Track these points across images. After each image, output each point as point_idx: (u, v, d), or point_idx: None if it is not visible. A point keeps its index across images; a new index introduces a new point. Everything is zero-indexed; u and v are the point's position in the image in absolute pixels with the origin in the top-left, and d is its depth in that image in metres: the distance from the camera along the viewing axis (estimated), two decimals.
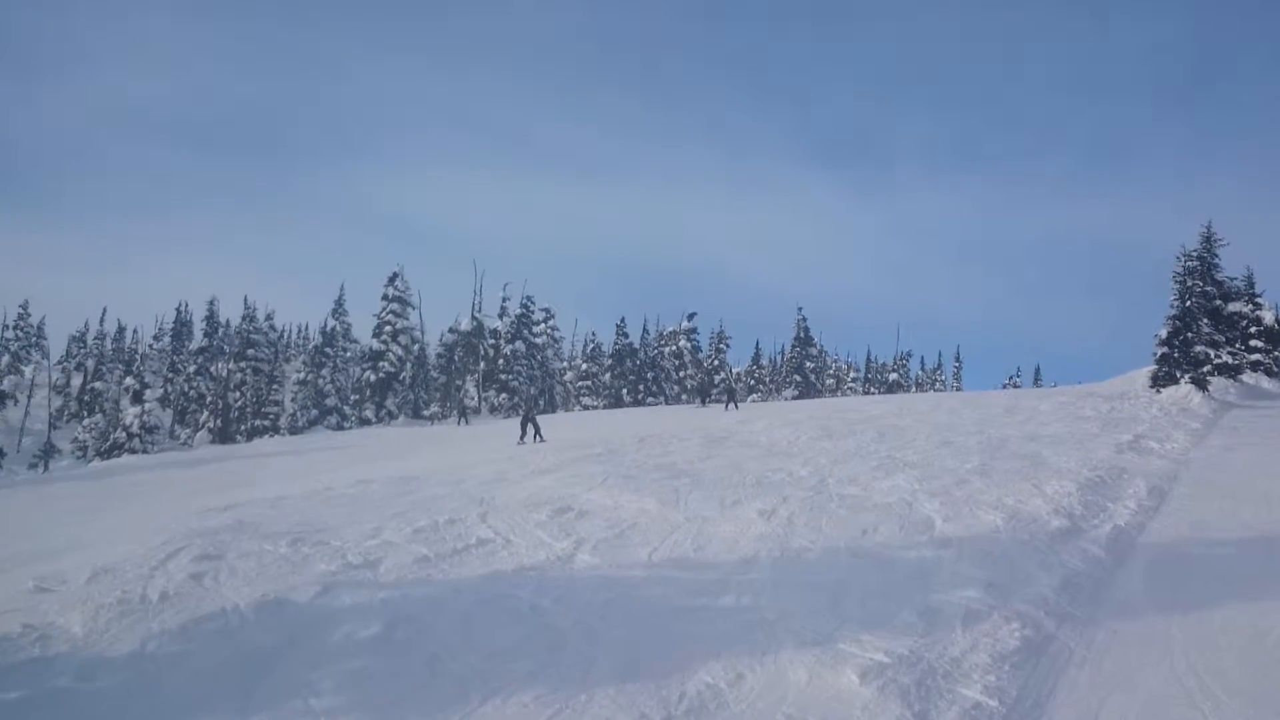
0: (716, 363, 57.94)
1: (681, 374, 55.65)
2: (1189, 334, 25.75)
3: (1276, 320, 30.33)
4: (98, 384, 59.00)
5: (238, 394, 49.19)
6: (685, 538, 8.31)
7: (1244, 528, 8.74)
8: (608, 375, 55.29)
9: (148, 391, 44.00)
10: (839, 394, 62.99)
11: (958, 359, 76.43)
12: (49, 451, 45.78)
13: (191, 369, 58.36)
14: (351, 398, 50.06)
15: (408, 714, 4.86)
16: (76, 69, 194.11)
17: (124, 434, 41.28)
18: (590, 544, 8.13)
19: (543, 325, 54.39)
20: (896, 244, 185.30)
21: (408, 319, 49.53)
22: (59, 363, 70.28)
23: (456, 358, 50.02)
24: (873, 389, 67.70)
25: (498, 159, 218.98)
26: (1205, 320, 26.66)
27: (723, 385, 43.93)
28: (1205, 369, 25.25)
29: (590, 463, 13.27)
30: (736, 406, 31.72)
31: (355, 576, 7.12)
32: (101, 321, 73.99)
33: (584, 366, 58.60)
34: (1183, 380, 24.81)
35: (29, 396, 54.97)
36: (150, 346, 74.83)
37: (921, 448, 13.94)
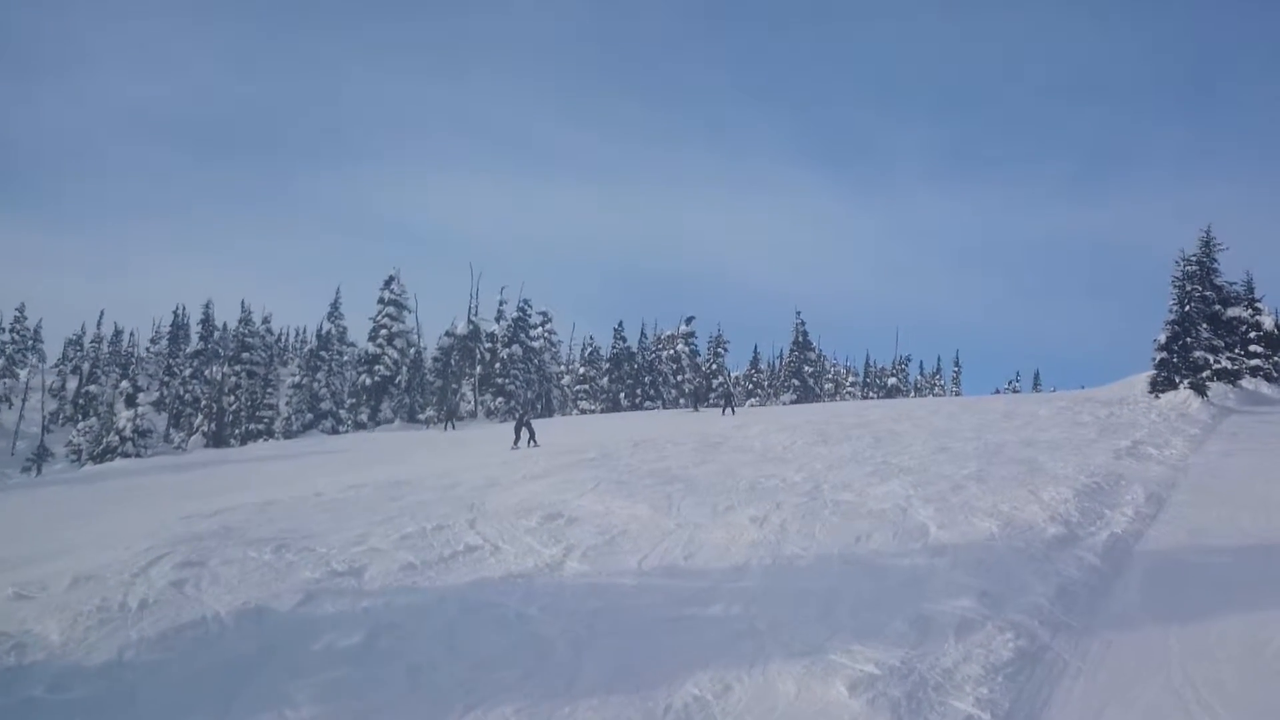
0: (714, 367, 57.88)
1: (679, 378, 55.57)
2: (1188, 339, 25.67)
3: (1276, 325, 30.26)
4: (92, 387, 58.82)
5: (232, 398, 49.06)
6: (676, 545, 8.20)
7: (1243, 535, 8.63)
8: (605, 379, 55.20)
9: (141, 395, 43.88)
10: (837, 398, 62.95)
11: (957, 363, 76.67)
12: (42, 455, 45.66)
13: (187, 372, 58.24)
14: (348, 401, 49.93)
15: None
16: (76, 70, 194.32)
17: (117, 438, 41.14)
18: (580, 551, 8.02)
19: (540, 329, 54.33)
20: (896, 247, 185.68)
21: (404, 322, 49.46)
22: (55, 366, 70.26)
23: (453, 361, 49.93)
24: (871, 393, 67.68)
25: (497, 161, 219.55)
26: (1204, 325, 26.56)
27: (720, 390, 43.79)
28: (1204, 374, 25.17)
29: (583, 468, 13.16)
30: (733, 411, 31.61)
31: (339, 584, 7.01)
32: (99, 324, 73.93)
33: (581, 370, 58.50)
34: (1182, 385, 24.73)
35: (24, 400, 54.90)
36: (147, 350, 74.72)
37: (918, 453, 13.84)
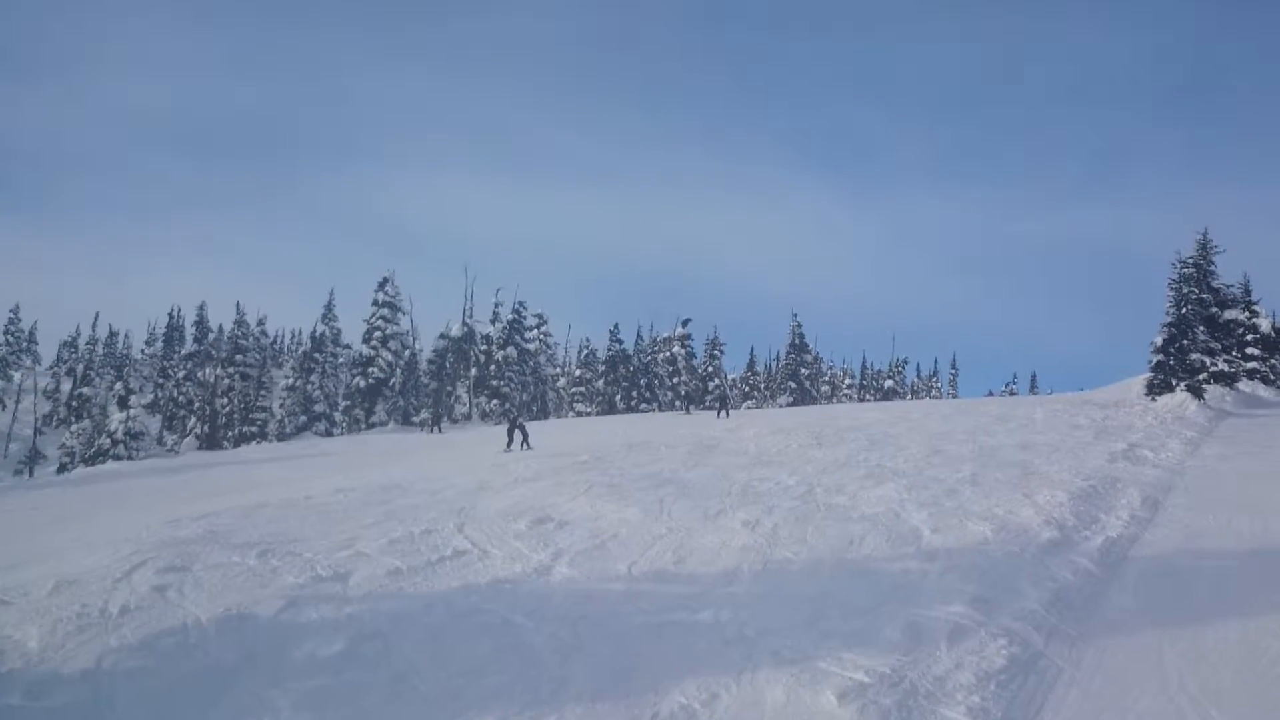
0: (711, 369, 57.80)
1: (675, 380, 55.48)
2: (1185, 341, 25.61)
3: (1273, 328, 30.24)
4: (86, 390, 58.64)
5: (225, 400, 48.89)
6: (666, 549, 8.10)
7: (1239, 539, 8.56)
8: (601, 381, 55.09)
9: (133, 397, 43.70)
10: (834, 401, 62.89)
11: (953, 366, 76.63)
12: (34, 457, 45.47)
13: (181, 375, 58.04)
14: (342, 404, 49.77)
15: None
16: (75, 71, 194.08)
17: (109, 440, 40.98)
18: (569, 556, 7.92)
19: (535, 331, 54.20)
20: (894, 250, 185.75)
21: (398, 324, 49.30)
22: (49, 368, 70.05)
23: (448, 364, 49.80)
24: (868, 396, 67.62)
25: (494, 163, 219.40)
26: (1201, 328, 26.51)
27: (717, 392, 43.72)
28: (1201, 377, 25.12)
29: (575, 471, 13.06)
30: (728, 414, 31.54)
31: (323, 590, 6.90)
32: (94, 326, 73.70)
33: (578, 373, 58.39)
34: (1178, 388, 24.68)
35: (17, 402, 54.71)
36: (142, 352, 74.52)
37: (912, 456, 13.76)
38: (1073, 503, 9.83)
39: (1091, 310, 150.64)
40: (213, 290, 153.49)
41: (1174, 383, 24.96)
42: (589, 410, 53.42)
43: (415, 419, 46.64)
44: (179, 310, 75.73)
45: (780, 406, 53.94)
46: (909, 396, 68.08)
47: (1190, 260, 27.28)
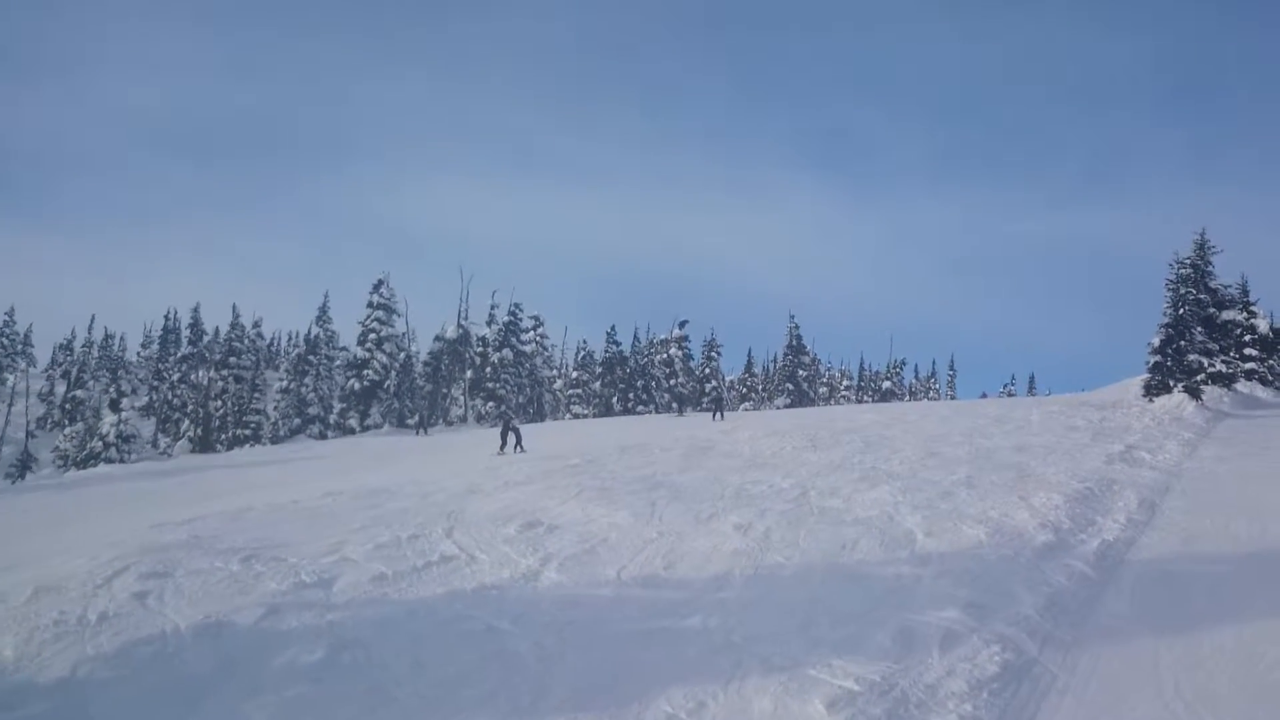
0: (708, 370, 57.69)
1: (672, 382, 55.36)
2: (1182, 342, 25.52)
3: (1271, 328, 30.17)
4: (79, 392, 58.45)
5: (219, 403, 48.70)
6: (657, 554, 7.99)
7: (1237, 543, 8.47)
8: (598, 383, 54.96)
9: (125, 400, 43.55)
10: (832, 402, 62.83)
11: (952, 367, 76.44)
12: (26, 461, 45.28)
13: (175, 377, 57.87)
14: (336, 406, 49.59)
15: None
16: (73, 73, 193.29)
17: (100, 444, 40.82)
18: (557, 561, 7.81)
19: (531, 333, 54.09)
20: (893, 251, 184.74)
21: (393, 326, 49.11)
22: (44, 371, 69.87)
23: (443, 366, 49.67)
24: (866, 397, 67.54)
25: (494, 165, 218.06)
26: (1199, 328, 26.41)
27: (713, 394, 43.59)
28: (1199, 378, 25.02)
29: (567, 474, 12.95)
30: (722, 416, 31.44)
31: (305, 597, 6.78)
32: (90, 329, 73.53)
33: (574, 375, 58.27)
34: (1176, 389, 24.58)
35: (10, 405, 54.54)
36: (138, 355, 74.33)
37: (908, 458, 13.66)
38: (1068, 505, 9.73)
39: (1091, 311, 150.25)
40: (211, 292, 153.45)
41: (1171, 384, 24.87)
42: (586, 412, 53.30)
43: (410, 421, 46.51)
44: (175, 312, 75.55)
45: (778, 408, 53.84)
46: (907, 398, 68.01)
47: (1188, 261, 27.16)
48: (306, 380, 50.65)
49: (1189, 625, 6.10)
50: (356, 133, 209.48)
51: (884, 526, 8.82)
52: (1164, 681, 5.21)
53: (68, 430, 51.38)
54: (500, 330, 50.78)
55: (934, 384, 74.80)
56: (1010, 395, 66.02)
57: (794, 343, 61.48)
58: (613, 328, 55.87)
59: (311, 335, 54.44)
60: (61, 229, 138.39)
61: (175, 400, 55.14)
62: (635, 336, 59.63)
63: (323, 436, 46.29)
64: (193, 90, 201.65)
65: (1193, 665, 5.43)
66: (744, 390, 64.07)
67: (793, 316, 62.42)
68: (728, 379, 62.64)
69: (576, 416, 52.07)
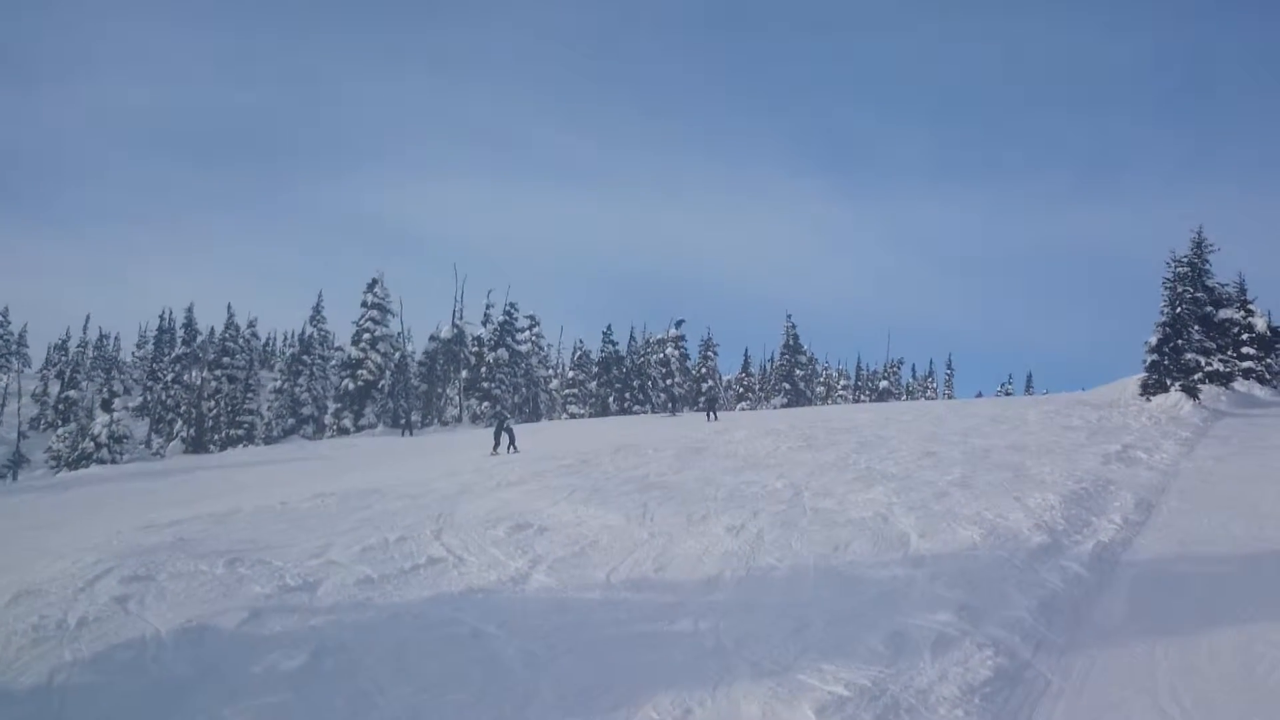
0: (705, 370, 57.60)
1: (668, 382, 55.24)
2: (1179, 341, 25.44)
3: (1269, 327, 30.09)
4: (72, 392, 58.20)
5: (212, 403, 48.50)
6: (647, 556, 7.89)
7: (1235, 544, 8.38)
8: (594, 383, 54.84)
9: (118, 400, 43.38)
10: (829, 402, 62.76)
11: (949, 366, 76.47)
12: (18, 461, 45.05)
13: (169, 377, 57.64)
14: (330, 406, 49.41)
15: None
16: (72, 74, 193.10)
17: (92, 444, 40.63)
18: (547, 563, 7.71)
19: (527, 332, 54.00)
20: (891, 251, 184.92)
21: (387, 326, 48.94)
22: (39, 371, 69.66)
23: (438, 365, 49.52)
24: (863, 397, 67.47)
25: (493, 166, 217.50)
26: (1196, 327, 26.35)
27: (708, 394, 43.49)
28: (1196, 377, 24.94)
29: (560, 475, 12.85)
30: (716, 416, 31.35)
31: (289, 601, 6.67)
32: (85, 329, 73.32)
33: (570, 374, 58.16)
34: (1173, 388, 24.49)
35: (3, 405, 54.33)
36: (133, 355, 74.07)
37: (903, 458, 13.57)
38: (1064, 506, 9.65)
39: (1089, 311, 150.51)
40: (206, 292, 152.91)
41: (1169, 383, 24.78)
42: (582, 412, 53.21)
43: (403, 421, 46.40)
44: (170, 312, 75.25)
45: (774, 408, 53.76)
46: (904, 397, 67.97)
47: (1185, 259, 27.10)
48: (300, 380, 50.48)
49: (1185, 628, 6.01)
50: (352, 132, 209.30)
51: (878, 528, 8.73)
52: (1159, 686, 5.12)
53: (60, 430, 51.13)
54: (495, 330, 50.68)
55: (931, 383, 74.77)
56: (1007, 394, 66.00)
57: (791, 342, 61.42)
58: (609, 327, 55.80)
59: (306, 335, 54.24)
60: (57, 229, 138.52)
61: (169, 400, 54.91)
62: (632, 336, 59.60)
63: (317, 437, 46.11)
64: (188, 91, 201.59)
65: (1189, 669, 5.34)
66: (741, 390, 63.97)
67: (790, 316, 62.40)
68: (725, 379, 62.60)
69: (573, 416, 51.97)
